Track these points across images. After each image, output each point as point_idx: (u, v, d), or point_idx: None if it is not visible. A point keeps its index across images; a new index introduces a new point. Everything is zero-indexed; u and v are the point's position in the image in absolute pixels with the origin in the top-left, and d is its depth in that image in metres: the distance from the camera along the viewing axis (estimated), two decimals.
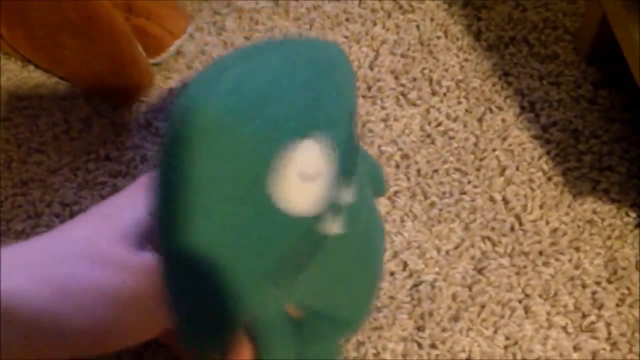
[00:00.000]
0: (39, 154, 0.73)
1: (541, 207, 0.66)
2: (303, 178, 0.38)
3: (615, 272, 0.62)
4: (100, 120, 0.74)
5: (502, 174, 0.68)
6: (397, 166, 0.69)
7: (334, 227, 0.41)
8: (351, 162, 0.43)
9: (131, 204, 0.46)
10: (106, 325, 0.42)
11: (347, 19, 0.80)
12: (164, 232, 0.37)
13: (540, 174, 0.67)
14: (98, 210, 0.46)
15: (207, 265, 0.37)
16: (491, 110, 0.72)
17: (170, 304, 0.39)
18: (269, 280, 0.39)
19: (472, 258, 0.64)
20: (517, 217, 0.65)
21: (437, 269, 0.63)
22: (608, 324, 0.60)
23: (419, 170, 0.68)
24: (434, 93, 0.73)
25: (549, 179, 0.67)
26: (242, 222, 0.37)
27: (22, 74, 0.79)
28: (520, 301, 0.61)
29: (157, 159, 0.37)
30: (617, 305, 0.60)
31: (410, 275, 0.63)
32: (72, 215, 0.68)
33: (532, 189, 0.67)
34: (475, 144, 0.70)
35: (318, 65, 0.42)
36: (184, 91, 0.36)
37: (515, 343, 0.59)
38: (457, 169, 0.68)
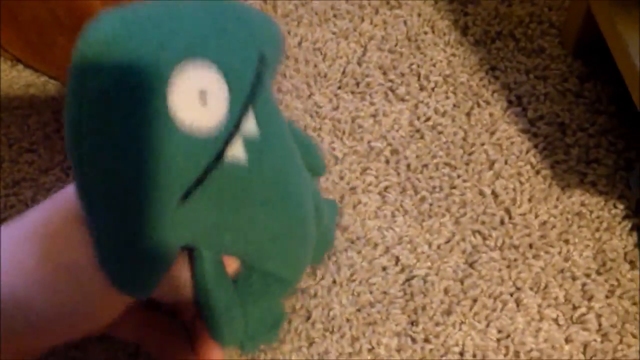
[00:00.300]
0: (30, 153, 0.73)
1: (530, 200, 0.66)
2: (199, 96, 0.39)
3: (604, 264, 0.63)
4: None
5: (491, 167, 0.68)
6: (387, 161, 0.70)
7: (235, 151, 0.42)
8: (255, 91, 0.43)
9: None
10: (74, 305, 0.42)
11: (334, 15, 0.80)
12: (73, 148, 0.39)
13: (528, 167, 0.68)
14: (55, 197, 0.46)
15: (116, 182, 0.39)
16: (479, 105, 0.72)
17: (93, 239, 0.41)
18: (176, 198, 0.41)
19: (463, 252, 0.64)
20: (507, 210, 0.66)
21: (429, 264, 0.64)
22: (598, 316, 0.61)
23: (408, 165, 0.69)
24: (422, 88, 0.74)
25: (537, 172, 0.68)
26: (144, 137, 0.38)
27: (11, 73, 0.79)
28: (511, 294, 0.62)
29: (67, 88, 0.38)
30: (607, 296, 0.61)
31: (403, 270, 0.64)
32: None
33: (521, 183, 0.67)
34: (464, 139, 0.70)
35: (234, 12, 0.44)
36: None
37: (508, 336, 0.60)
38: (446, 164, 0.69)
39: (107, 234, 0.40)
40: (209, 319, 0.48)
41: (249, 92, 0.43)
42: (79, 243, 0.41)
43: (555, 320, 0.61)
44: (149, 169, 0.38)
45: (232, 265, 0.49)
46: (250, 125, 0.43)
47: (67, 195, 0.45)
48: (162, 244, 0.42)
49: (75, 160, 0.39)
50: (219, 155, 0.41)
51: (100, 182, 0.39)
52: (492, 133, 0.70)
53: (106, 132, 0.37)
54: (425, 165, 0.69)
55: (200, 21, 0.41)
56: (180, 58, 0.38)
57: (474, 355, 0.60)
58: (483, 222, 0.66)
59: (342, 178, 0.69)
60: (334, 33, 0.79)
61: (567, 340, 0.60)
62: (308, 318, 0.62)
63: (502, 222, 0.66)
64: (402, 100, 0.73)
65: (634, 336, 0.59)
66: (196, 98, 0.39)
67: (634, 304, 0.61)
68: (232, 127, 0.42)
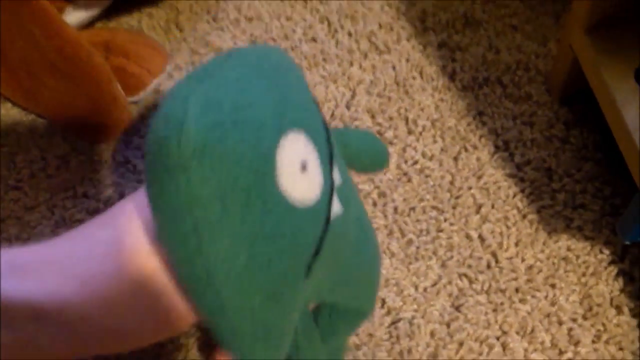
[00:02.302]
0: (16, 191, 0.73)
1: (517, 244, 0.67)
2: (302, 168, 0.39)
3: (590, 309, 0.63)
4: (78, 157, 0.74)
5: (477, 211, 0.69)
6: (375, 204, 0.70)
7: (335, 208, 0.42)
8: (330, 144, 0.43)
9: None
10: (133, 324, 0.41)
11: (324, 59, 0.81)
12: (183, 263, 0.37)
13: (515, 211, 0.68)
14: (117, 210, 0.45)
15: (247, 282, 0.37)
16: (466, 149, 0.73)
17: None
18: (303, 276, 0.40)
19: (450, 295, 0.64)
20: (494, 254, 0.66)
21: (415, 307, 0.64)
22: None
23: (395, 208, 0.69)
24: (410, 132, 0.74)
25: (524, 216, 0.68)
26: (265, 224, 0.37)
27: None
28: (497, 338, 0.62)
29: (150, 196, 0.36)
30: (593, 341, 0.61)
31: (389, 313, 0.63)
32: None
33: (508, 227, 0.67)
34: (451, 182, 0.71)
35: (271, 67, 0.42)
36: (155, 121, 0.35)
37: None
38: (433, 207, 0.69)
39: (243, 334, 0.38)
40: None
41: (328, 147, 0.42)
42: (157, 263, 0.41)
43: None
44: (274, 256, 0.37)
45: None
46: (336, 176, 0.43)
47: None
48: (291, 324, 0.41)
49: (192, 279, 0.36)
50: (328, 222, 0.41)
51: (233, 291, 0.37)
52: (479, 177, 0.71)
53: (228, 237, 0.36)
54: (413, 209, 0.69)
55: (269, 93, 0.39)
56: (278, 135, 0.38)
57: None
58: (470, 266, 0.66)
59: None
60: (323, 77, 0.79)
61: None
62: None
63: (488, 266, 0.65)
64: (390, 143, 0.73)
65: None
66: (299, 169, 0.38)
67: (620, 349, 0.61)
68: (329, 188, 0.41)
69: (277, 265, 0.37)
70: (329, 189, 0.41)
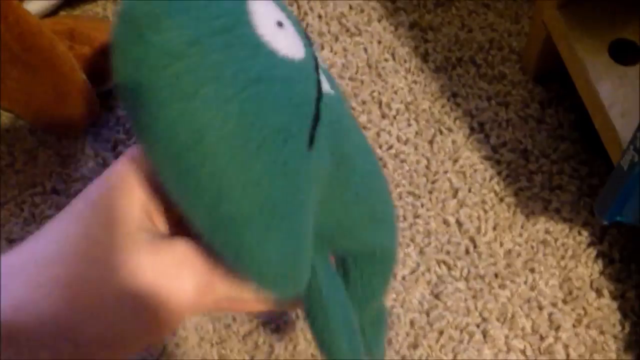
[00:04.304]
0: None
1: (495, 228, 0.66)
2: (278, 24, 0.37)
3: (570, 293, 0.62)
4: (46, 151, 0.73)
5: (454, 196, 0.68)
6: None
7: (325, 85, 0.39)
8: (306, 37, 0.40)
9: (120, 189, 0.40)
10: (122, 328, 0.38)
11: None
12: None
13: (492, 195, 0.68)
14: (83, 199, 0.43)
15: None
16: (441, 132, 0.72)
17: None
18: (305, 142, 0.36)
19: (429, 283, 0.63)
20: (472, 239, 0.65)
21: (394, 295, 0.63)
22: (566, 346, 0.60)
23: None
24: (383, 116, 0.73)
25: (501, 199, 0.67)
26: (251, 68, 0.34)
27: None
28: (478, 325, 0.61)
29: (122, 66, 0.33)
30: (574, 326, 0.61)
31: None
32: None
33: (485, 211, 0.67)
34: (427, 167, 0.70)
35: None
36: None
37: None
38: (410, 193, 0.68)
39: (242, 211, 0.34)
40: (328, 344, 0.42)
41: (311, 49, 0.40)
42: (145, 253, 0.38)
43: (523, 351, 0.60)
44: (274, 103, 0.34)
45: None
46: (323, 78, 0.39)
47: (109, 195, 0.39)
48: (302, 205, 0.37)
49: (178, 148, 0.33)
50: (320, 85, 0.38)
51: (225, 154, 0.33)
52: (455, 161, 0.70)
53: (214, 77, 0.33)
54: None
55: None
56: None
57: None
58: (448, 252, 0.65)
59: None
60: None
61: None
62: (271, 353, 0.61)
63: (467, 252, 0.65)
64: (364, 128, 0.72)
65: None
66: (275, 24, 0.36)
67: (602, 333, 0.60)
68: (313, 63, 0.38)
69: (272, 115, 0.34)
70: (313, 61, 0.38)
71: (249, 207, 0.34)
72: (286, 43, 0.36)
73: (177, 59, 0.32)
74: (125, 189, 0.39)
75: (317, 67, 0.39)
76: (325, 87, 0.39)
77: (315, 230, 0.40)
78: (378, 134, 0.72)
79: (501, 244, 0.65)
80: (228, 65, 0.33)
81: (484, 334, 0.61)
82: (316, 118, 0.37)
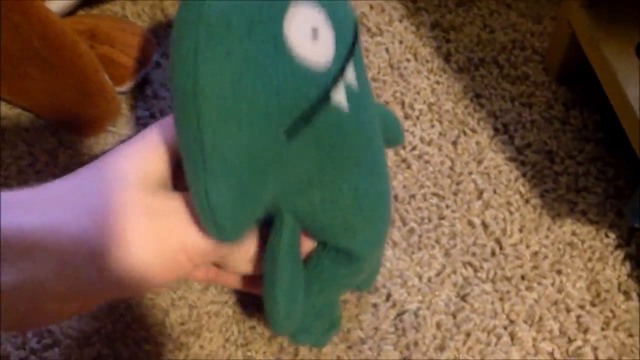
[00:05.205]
0: (4, 188, 0.70)
1: (521, 230, 0.65)
2: (312, 32, 0.42)
3: (598, 295, 0.62)
4: (66, 151, 0.72)
5: (479, 197, 0.67)
6: None
7: (340, 97, 0.43)
8: (353, 48, 0.45)
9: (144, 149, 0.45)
10: (144, 261, 0.41)
11: None
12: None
13: (517, 196, 0.67)
14: (113, 157, 0.45)
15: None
16: (465, 133, 0.71)
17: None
18: (284, 129, 0.41)
19: (455, 285, 0.63)
20: (498, 241, 0.65)
21: (420, 297, 0.62)
22: (595, 348, 0.59)
23: (396, 196, 0.68)
24: (406, 116, 0.73)
25: (527, 201, 0.67)
26: (260, 59, 0.39)
27: None
28: (505, 327, 0.61)
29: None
30: (603, 328, 0.60)
31: (394, 305, 0.62)
32: None
33: (511, 212, 0.66)
34: (451, 168, 0.69)
35: None
36: None
37: None
38: (434, 194, 0.68)
39: (214, 160, 0.39)
40: (269, 294, 0.47)
41: (351, 44, 0.45)
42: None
43: (551, 354, 0.59)
44: (263, 92, 0.39)
45: (305, 246, 0.50)
46: (351, 75, 0.45)
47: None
48: (264, 179, 0.42)
49: (182, 92, 0.38)
50: (327, 95, 0.42)
51: (214, 109, 0.38)
52: (480, 162, 0.69)
53: (224, 56, 0.38)
54: (413, 196, 0.68)
55: None
56: None
57: None
58: (474, 254, 0.64)
59: None
60: None
61: None
62: (296, 355, 0.60)
63: (493, 253, 0.64)
64: None
65: None
66: (309, 33, 0.41)
67: (630, 335, 0.60)
68: (338, 71, 0.43)
69: (261, 102, 0.39)
70: (336, 72, 0.43)
71: (222, 147, 0.39)
72: (309, 50, 0.41)
73: (206, 23, 0.38)
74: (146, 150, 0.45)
75: (341, 73, 0.44)
76: (340, 97, 0.44)
77: (291, 209, 0.46)
78: None
79: (527, 246, 0.65)
80: (242, 46, 0.38)
81: (512, 336, 0.60)
82: (307, 119, 0.41)
